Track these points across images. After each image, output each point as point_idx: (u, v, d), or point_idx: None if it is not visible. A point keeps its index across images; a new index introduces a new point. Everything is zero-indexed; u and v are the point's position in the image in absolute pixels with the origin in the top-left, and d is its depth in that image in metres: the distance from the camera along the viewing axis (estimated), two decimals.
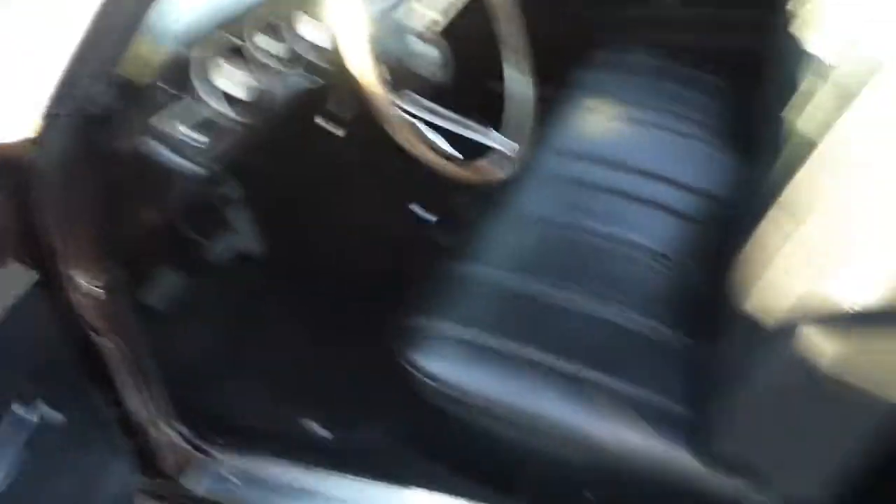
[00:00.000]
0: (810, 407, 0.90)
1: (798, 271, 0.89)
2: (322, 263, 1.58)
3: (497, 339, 1.11)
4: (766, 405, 0.93)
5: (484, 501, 1.13)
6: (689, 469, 1.02)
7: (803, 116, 1.17)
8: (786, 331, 0.86)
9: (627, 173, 1.44)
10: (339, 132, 1.18)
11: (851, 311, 0.79)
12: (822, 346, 0.83)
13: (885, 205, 0.81)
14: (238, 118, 0.99)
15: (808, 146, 1.04)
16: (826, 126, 1.02)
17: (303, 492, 1.16)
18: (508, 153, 1.29)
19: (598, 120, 1.58)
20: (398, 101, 1.11)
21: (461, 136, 1.21)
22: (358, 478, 1.17)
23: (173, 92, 0.93)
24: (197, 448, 1.18)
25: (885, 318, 0.78)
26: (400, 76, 1.14)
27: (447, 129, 1.19)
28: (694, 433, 1.02)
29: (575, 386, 1.06)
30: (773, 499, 1.03)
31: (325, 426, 1.34)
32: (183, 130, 0.93)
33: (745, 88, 1.62)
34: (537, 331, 1.13)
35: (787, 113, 1.24)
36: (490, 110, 1.34)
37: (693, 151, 1.52)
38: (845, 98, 1.02)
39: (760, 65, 1.55)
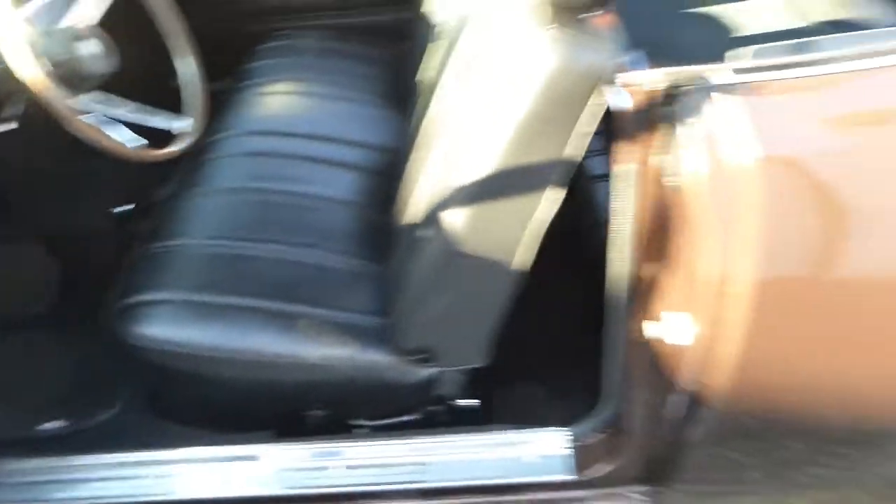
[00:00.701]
0: (451, 286, 1.15)
1: (427, 185, 1.14)
2: (26, 270, 1.58)
3: (208, 296, 1.25)
4: (423, 295, 1.17)
5: (231, 444, 1.25)
6: (388, 368, 1.25)
7: (426, 71, 1.43)
8: (415, 228, 1.10)
9: (311, 141, 1.62)
10: (14, 127, 1.22)
11: (460, 193, 1.05)
12: (449, 229, 1.07)
13: (472, 124, 1.07)
14: None
15: (430, 94, 1.31)
16: (439, 75, 1.29)
17: (42, 482, 1.19)
18: (186, 129, 1.43)
19: (277, 100, 1.75)
20: (74, 103, 1.20)
21: (143, 126, 1.32)
22: (104, 455, 1.23)
23: None
24: None
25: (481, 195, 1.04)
26: (73, 78, 1.22)
27: (128, 122, 1.30)
28: (387, 338, 1.24)
29: (283, 320, 1.24)
30: (454, 375, 1.29)
31: (62, 420, 1.39)
32: None
33: (402, 56, 1.89)
34: (243, 281, 1.28)
35: (421, 73, 1.51)
36: (170, 101, 1.46)
37: (365, 114, 1.74)
38: (450, 49, 1.29)
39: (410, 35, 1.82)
